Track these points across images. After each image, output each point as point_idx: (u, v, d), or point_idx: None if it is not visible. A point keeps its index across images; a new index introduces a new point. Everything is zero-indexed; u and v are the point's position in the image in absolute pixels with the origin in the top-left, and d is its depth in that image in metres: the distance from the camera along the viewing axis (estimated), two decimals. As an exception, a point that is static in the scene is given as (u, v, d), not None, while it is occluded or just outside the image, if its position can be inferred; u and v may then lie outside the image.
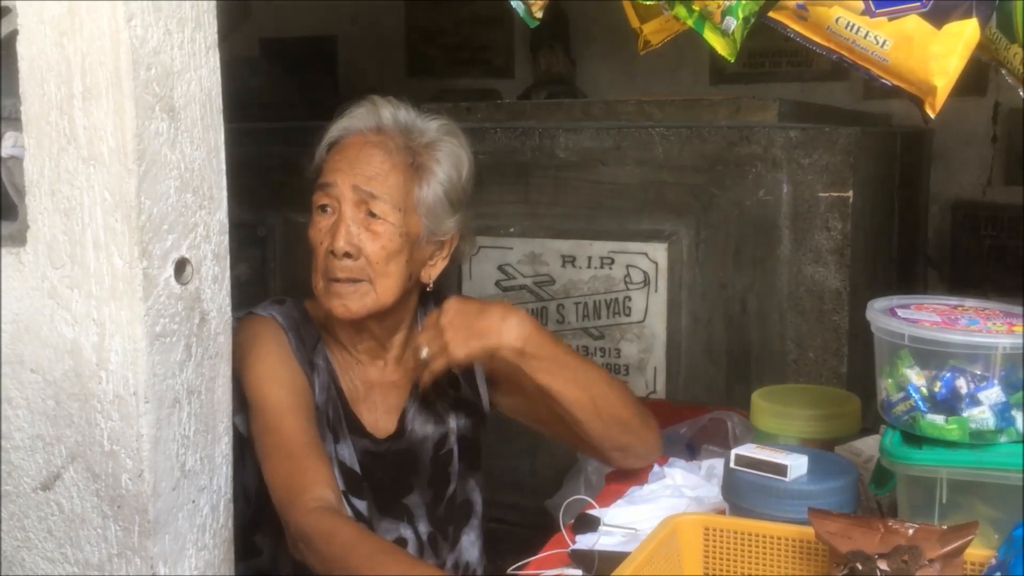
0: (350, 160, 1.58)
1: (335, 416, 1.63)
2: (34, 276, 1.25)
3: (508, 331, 1.52)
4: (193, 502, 1.30)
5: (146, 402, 1.22)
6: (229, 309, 1.35)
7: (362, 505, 1.62)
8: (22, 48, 1.21)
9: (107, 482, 1.25)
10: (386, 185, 1.57)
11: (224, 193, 1.32)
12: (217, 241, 1.31)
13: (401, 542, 1.65)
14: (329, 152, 1.62)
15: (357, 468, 1.63)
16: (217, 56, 1.28)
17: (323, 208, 1.59)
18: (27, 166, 1.23)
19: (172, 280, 1.24)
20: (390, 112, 1.62)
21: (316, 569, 1.42)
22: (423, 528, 1.68)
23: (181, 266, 1.25)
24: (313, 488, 1.45)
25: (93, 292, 1.22)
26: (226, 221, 1.33)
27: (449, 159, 1.62)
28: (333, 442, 1.62)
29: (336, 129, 1.63)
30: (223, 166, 1.31)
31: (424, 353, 1.54)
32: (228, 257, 1.34)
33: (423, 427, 1.70)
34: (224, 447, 1.36)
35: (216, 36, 1.28)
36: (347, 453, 1.62)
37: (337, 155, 1.60)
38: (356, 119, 1.62)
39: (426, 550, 1.68)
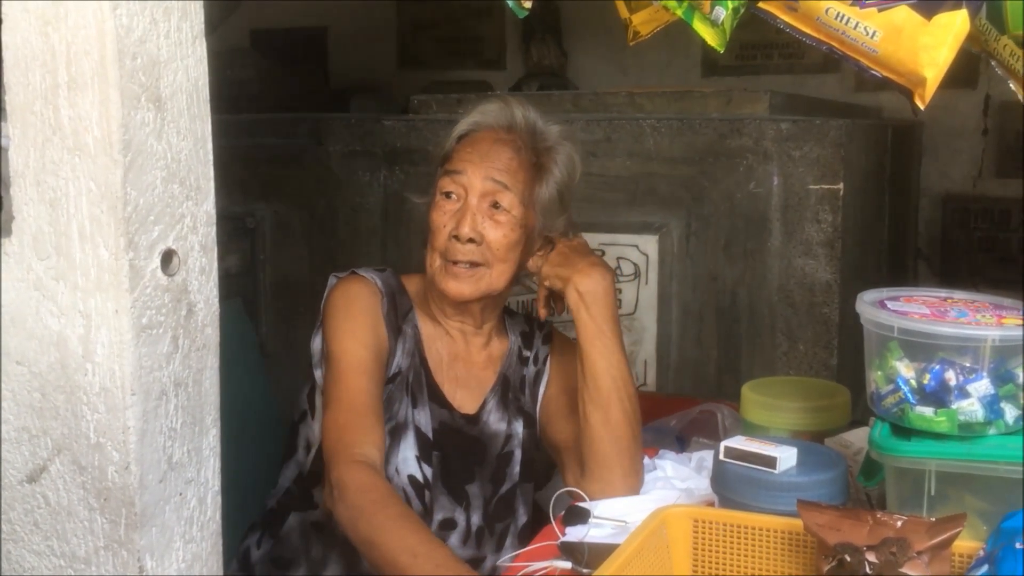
0: (482, 153, 1.69)
1: (415, 382, 1.70)
2: (19, 267, 1.24)
3: (586, 276, 1.67)
4: (180, 495, 1.30)
5: (132, 394, 1.21)
6: (217, 301, 1.34)
7: (429, 472, 1.67)
8: (6, 37, 1.19)
9: (93, 475, 1.24)
10: (514, 179, 1.68)
11: (211, 184, 1.31)
12: (204, 232, 1.30)
13: (451, 523, 1.69)
14: (459, 143, 1.72)
15: (431, 435, 1.69)
16: (204, 46, 1.27)
17: (448, 194, 1.69)
18: (12, 156, 1.22)
19: (159, 272, 1.23)
20: (521, 113, 1.73)
21: (341, 519, 1.47)
22: (476, 519, 1.72)
23: (168, 257, 1.24)
24: (362, 445, 1.52)
25: (79, 284, 1.21)
26: (213, 212, 1.32)
27: (566, 163, 1.75)
28: (411, 406, 1.68)
29: (468, 123, 1.73)
30: (210, 157, 1.30)
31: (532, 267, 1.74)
32: (216, 248, 1.33)
33: (497, 423, 1.76)
34: (212, 439, 1.36)
35: (203, 25, 1.27)
36: (424, 419, 1.69)
37: (468, 147, 1.70)
38: (489, 115, 1.73)
39: (471, 540, 1.71)
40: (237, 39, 4.34)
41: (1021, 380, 1.24)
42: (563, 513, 1.57)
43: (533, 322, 1.86)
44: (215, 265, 1.33)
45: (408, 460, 1.66)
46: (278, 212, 3.09)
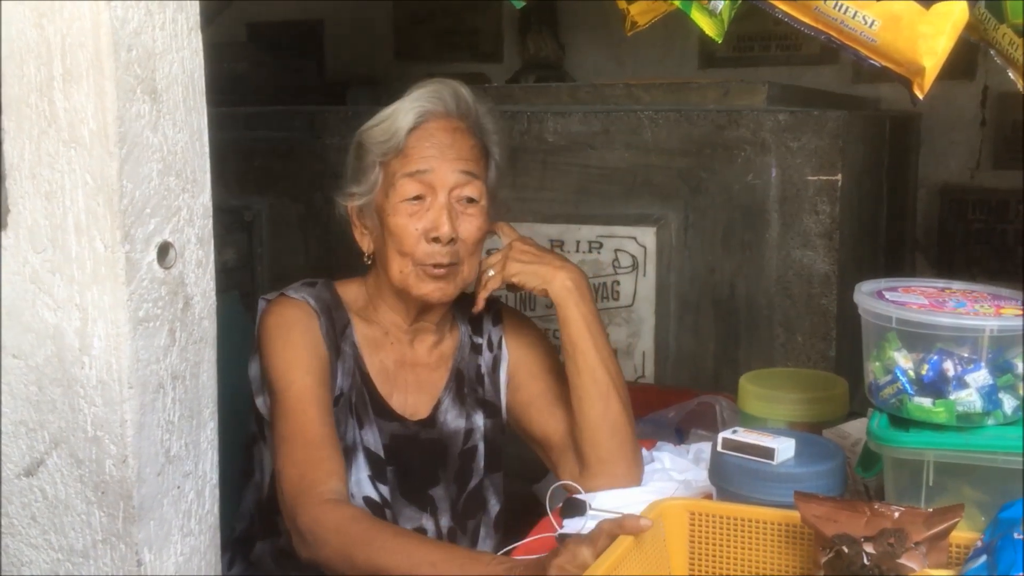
0: (444, 145, 1.59)
1: (359, 401, 1.63)
2: (15, 260, 1.23)
3: (568, 271, 1.63)
4: (178, 488, 1.30)
5: (130, 387, 1.21)
6: (213, 294, 1.34)
7: (385, 490, 1.62)
8: (0, 29, 1.19)
9: (91, 468, 1.24)
10: (479, 167, 1.63)
11: (208, 176, 1.31)
12: (201, 225, 1.30)
13: (420, 532, 1.65)
14: (411, 137, 1.59)
15: (381, 453, 1.63)
16: (199, 37, 1.27)
17: (417, 198, 1.58)
18: (7, 149, 1.21)
19: (155, 264, 1.23)
20: (467, 95, 1.64)
21: (329, 562, 1.40)
22: (444, 522, 1.68)
23: (164, 250, 1.24)
24: (327, 481, 1.45)
25: (75, 277, 1.21)
26: (210, 205, 1.32)
27: (501, 143, 1.69)
28: (357, 427, 1.62)
29: (416, 113, 1.60)
30: (206, 149, 1.30)
31: (490, 273, 1.65)
32: (212, 241, 1.33)
33: (455, 420, 1.71)
34: (210, 432, 1.35)
35: (198, 17, 1.27)
36: (372, 438, 1.63)
37: (425, 140, 1.59)
38: (436, 102, 1.61)
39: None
40: (233, 32, 4.33)
41: (1019, 370, 1.24)
42: (560, 505, 1.57)
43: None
44: (212, 258, 1.33)
45: (362, 482, 1.60)
46: (275, 205, 3.08)
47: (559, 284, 1.62)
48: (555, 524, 1.51)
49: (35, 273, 1.23)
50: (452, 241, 1.58)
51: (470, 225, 1.60)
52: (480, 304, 1.68)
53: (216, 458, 1.36)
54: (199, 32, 1.27)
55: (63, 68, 1.17)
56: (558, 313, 1.63)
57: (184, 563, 1.31)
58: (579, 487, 1.60)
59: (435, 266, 1.58)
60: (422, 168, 1.58)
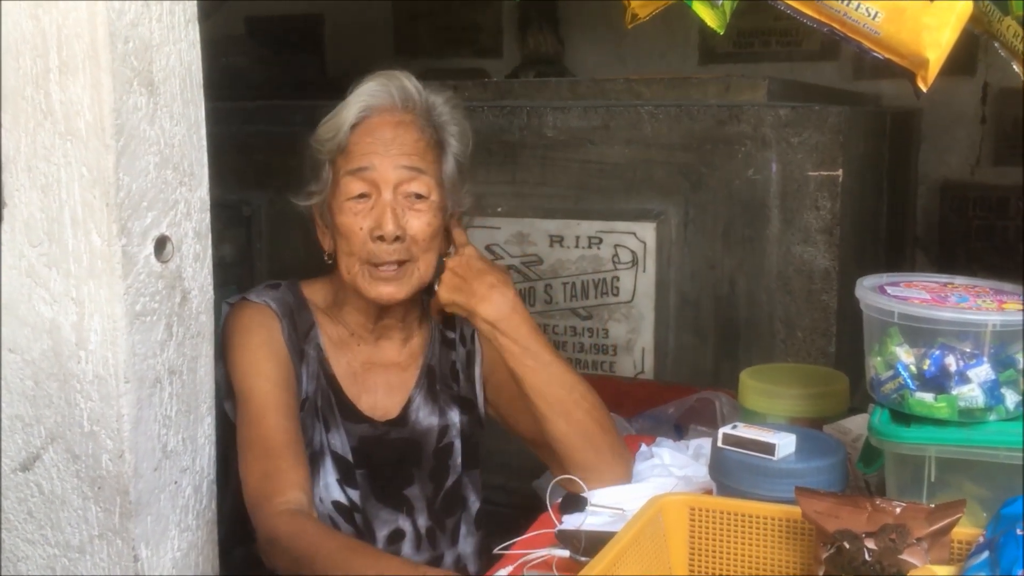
0: (385, 141, 1.55)
1: (325, 404, 1.61)
2: (11, 254, 1.23)
3: (488, 303, 1.55)
4: (175, 483, 1.29)
5: (126, 382, 1.20)
6: (211, 288, 1.33)
7: (355, 494, 1.60)
8: (-3, 21, 1.18)
9: (87, 463, 1.23)
10: (425, 161, 1.57)
11: (205, 170, 1.30)
12: (198, 219, 1.29)
13: (399, 534, 1.64)
14: (352, 133, 1.56)
15: (350, 456, 1.61)
16: (197, 29, 1.26)
17: (361, 196, 1.55)
18: (3, 142, 1.20)
19: (152, 258, 1.22)
20: (413, 87, 1.59)
21: (285, 571, 1.39)
22: (422, 521, 1.66)
23: (161, 244, 1.23)
24: (285, 491, 1.42)
25: (71, 271, 1.20)
26: (207, 198, 1.31)
27: (460, 133, 1.63)
28: (324, 431, 1.60)
29: (358, 109, 1.57)
30: (204, 142, 1.29)
31: (436, 285, 1.59)
32: (210, 235, 1.32)
33: (428, 418, 1.68)
34: (207, 427, 1.35)
35: (195, 9, 1.26)
36: (339, 442, 1.60)
37: (366, 136, 1.56)
38: (380, 96, 1.57)
39: (424, 543, 1.66)
40: (232, 27, 4.31)
41: (1022, 366, 1.23)
42: (560, 501, 1.56)
43: None
44: (209, 252, 1.32)
45: (330, 486, 1.58)
46: (274, 200, 3.07)
47: (479, 321, 1.56)
48: (555, 519, 1.50)
49: (31, 267, 1.22)
50: (398, 239, 1.53)
51: (418, 221, 1.55)
52: (436, 317, 1.66)
53: (214, 453, 1.36)
54: (196, 24, 1.26)
55: (59, 60, 1.16)
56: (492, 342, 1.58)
57: (181, 559, 1.30)
58: (580, 482, 1.59)
59: (385, 266, 1.54)
60: (363, 165, 1.54)
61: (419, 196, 1.56)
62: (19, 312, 1.23)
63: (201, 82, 1.28)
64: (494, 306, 1.55)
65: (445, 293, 1.57)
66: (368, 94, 1.57)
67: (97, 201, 1.17)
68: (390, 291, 1.56)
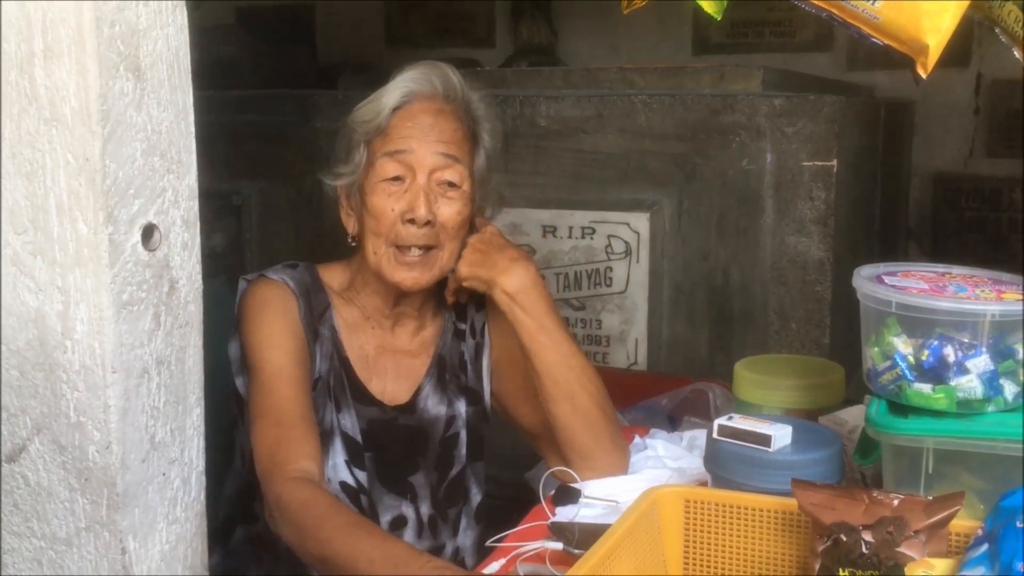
0: (425, 127, 1.57)
1: (337, 385, 1.62)
2: (-4, 242, 1.21)
3: (510, 274, 1.58)
4: (163, 475, 1.27)
5: (113, 372, 1.18)
6: (200, 277, 1.31)
7: (362, 476, 1.60)
8: (-20, 4, 1.16)
9: (74, 454, 1.21)
10: (461, 151, 1.59)
11: (193, 157, 1.28)
12: (186, 207, 1.27)
13: (401, 520, 1.64)
14: (393, 117, 1.58)
15: (359, 438, 1.62)
16: (185, 14, 1.24)
17: (396, 178, 1.57)
18: (-13, 128, 1.18)
19: (139, 247, 1.20)
20: (456, 79, 1.61)
21: (289, 540, 1.40)
22: (425, 509, 1.66)
23: (149, 232, 1.21)
24: (297, 459, 1.43)
25: (57, 259, 1.18)
26: (196, 186, 1.29)
27: (492, 130, 1.66)
28: (335, 411, 1.61)
29: (400, 93, 1.58)
30: (192, 129, 1.27)
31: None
32: (198, 223, 1.30)
33: (436, 407, 1.69)
34: (195, 418, 1.33)
35: (183, -7, 1.24)
36: (349, 423, 1.61)
37: (407, 120, 1.58)
38: (423, 83, 1.59)
39: (425, 531, 1.66)
40: (223, 16, 4.28)
41: (1020, 356, 1.22)
42: (553, 493, 1.55)
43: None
44: (198, 240, 1.30)
45: (338, 467, 1.59)
46: (264, 190, 3.06)
47: (498, 292, 1.58)
48: (547, 512, 1.49)
49: (16, 255, 1.20)
50: (429, 224, 1.55)
51: (449, 209, 1.57)
52: (450, 298, 1.67)
53: (203, 444, 1.34)
54: (184, 9, 1.24)
55: (44, 44, 1.14)
56: (508, 317, 1.59)
57: (170, 551, 1.29)
58: (573, 474, 1.58)
59: (411, 251, 1.56)
60: (401, 148, 1.57)
61: (452, 184, 1.58)
62: (4, 301, 1.21)
63: (189, 68, 1.26)
64: (516, 278, 1.58)
65: (465, 268, 1.60)
66: (411, 80, 1.60)
67: (83, 188, 1.15)
68: (413, 276, 1.58)
